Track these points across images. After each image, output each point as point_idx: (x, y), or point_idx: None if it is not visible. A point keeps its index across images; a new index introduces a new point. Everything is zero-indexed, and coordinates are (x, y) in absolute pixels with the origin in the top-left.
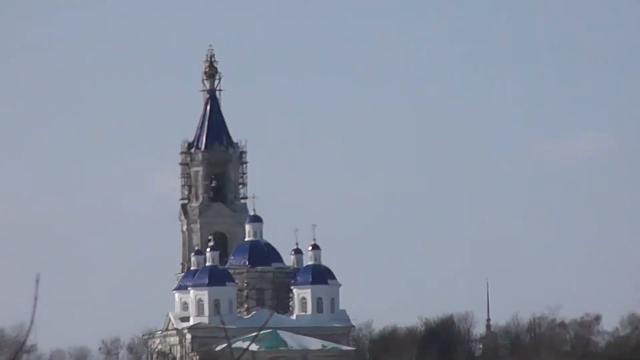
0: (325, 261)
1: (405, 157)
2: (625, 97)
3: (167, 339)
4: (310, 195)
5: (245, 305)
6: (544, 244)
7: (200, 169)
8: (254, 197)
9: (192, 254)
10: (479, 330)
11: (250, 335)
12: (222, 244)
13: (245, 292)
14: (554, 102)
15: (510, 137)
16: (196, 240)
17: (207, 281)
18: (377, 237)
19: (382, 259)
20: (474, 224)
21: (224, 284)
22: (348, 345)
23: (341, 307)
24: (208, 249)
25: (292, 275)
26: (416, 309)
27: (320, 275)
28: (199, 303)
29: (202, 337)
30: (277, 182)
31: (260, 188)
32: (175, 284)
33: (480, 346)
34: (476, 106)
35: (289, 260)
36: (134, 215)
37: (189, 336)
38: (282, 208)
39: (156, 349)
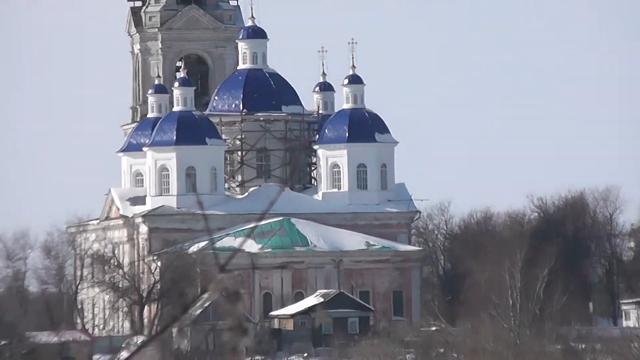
0: (371, 104)
1: None
2: None
3: (109, 234)
4: None
5: (239, 178)
6: None
7: None
8: None
9: (150, 91)
10: (628, 217)
11: (245, 227)
12: (199, 75)
13: (238, 156)
14: None
15: None
16: (156, 68)
17: (174, 136)
18: (453, 68)
19: (463, 102)
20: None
21: (202, 142)
22: (410, 243)
23: (398, 180)
24: (176, 84)
25: (315, 127)
26: (522, 184)
27: (364, 125)
28: (162, 173)
29: (166, 231)
30: None
31: None
32: (122, 142)
33: (632, 244)
34: None
35: (311, 101)
36: (52, 26)
37: (144, 228)
38: (296, 16)
39: (89, 251)
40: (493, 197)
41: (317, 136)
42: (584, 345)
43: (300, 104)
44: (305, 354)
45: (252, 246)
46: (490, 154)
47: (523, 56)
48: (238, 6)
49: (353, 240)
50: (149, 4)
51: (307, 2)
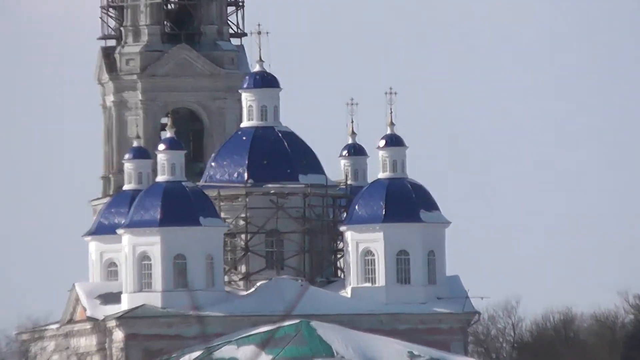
0: (414, 172)
1: None
2: None
3: (73, 342)
4: (375, 25)
5: (243, 269)
6: None
7: None
8: (259, 33)
9: (127, 156)
10: None
11: (253, 332)
12: (192, 135)
13: (242, 240)
14: None
15: None
16: (135, 126)
17: (158, 215)
18: (519, 127)
19: (534, 170)
20: None
21: (195, 222)
22: (466, 353)
23: (450, 272)
24: (161, 146)
25: (342, 203)
26: (613, 277)
27: (406, 201)
28: (142, 263)
29: (148, 338)
30: (305, 3)
31: (272, 16)
32: (90, 223)
33: None
34: None
35: (336, 169)
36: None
37: (119, 335)
38: (317, 59)
39: None
40: (575, 293)
41: (345, 215)
42: None
43: (323, 173)
44: None
45: (260, 358)
46: (571, 237)
47: (610, 109)
48: (242, 46)
49: (392, 350)
50: (125, 43)
51: (332, 41)
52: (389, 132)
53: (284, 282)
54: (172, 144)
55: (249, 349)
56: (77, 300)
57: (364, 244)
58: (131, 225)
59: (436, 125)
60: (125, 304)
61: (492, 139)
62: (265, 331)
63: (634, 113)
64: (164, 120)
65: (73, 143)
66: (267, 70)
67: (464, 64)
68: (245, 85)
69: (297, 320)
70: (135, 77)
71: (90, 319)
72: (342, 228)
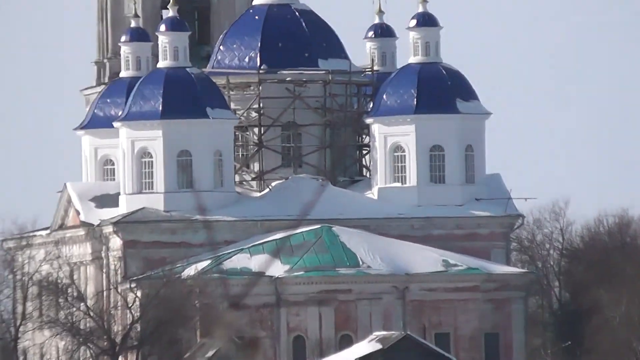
0: (450, 56)
1: None
2: None
3: (64, 250)
4: None
5: (256, 167)
6: None
7: None
8: None
9: (123, 38)
10: None
11: (267, 239)
12: (197, 14)
13: (254, 135)
14: None
15: None
16: (133, 4)
17: (159, 106)
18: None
19: (589, 52)
20: None
21: (201, 114)
22: (508, 262)
23: (490, 169)
24: (162, 27)
25: (368, 92)
26: None
27: (440, 88)
28: (142, 161)
29: (148, 245)
30: None
31: None
32: (83, 115)
33: None
34: None
35: (361, 53)
36: None
37: (116, 242)
38: None
39: (35, 275)
40: (632, 194)
41: (371, 105)
42: None
43: (346, 57)
44: None
45: (275, 268)
46: (627, 130)
47: None
48: None
49: (425, 259)
50: None
51: None
52: (420, 10)
53: (303, 182)
54: (174, 25)
55: (262, 258)
56: (69, 202)
57: (392, 138)
58: (129, 117)
59: (475, 2)
60: (123, 207)
61: (539, 18)
62: (281, 238)
63: None
64: None
65: (61, 23)
66: None
67: None
68: None
69: (317, 226)
70: None
71: (84, 224)
72: (368, 120)
